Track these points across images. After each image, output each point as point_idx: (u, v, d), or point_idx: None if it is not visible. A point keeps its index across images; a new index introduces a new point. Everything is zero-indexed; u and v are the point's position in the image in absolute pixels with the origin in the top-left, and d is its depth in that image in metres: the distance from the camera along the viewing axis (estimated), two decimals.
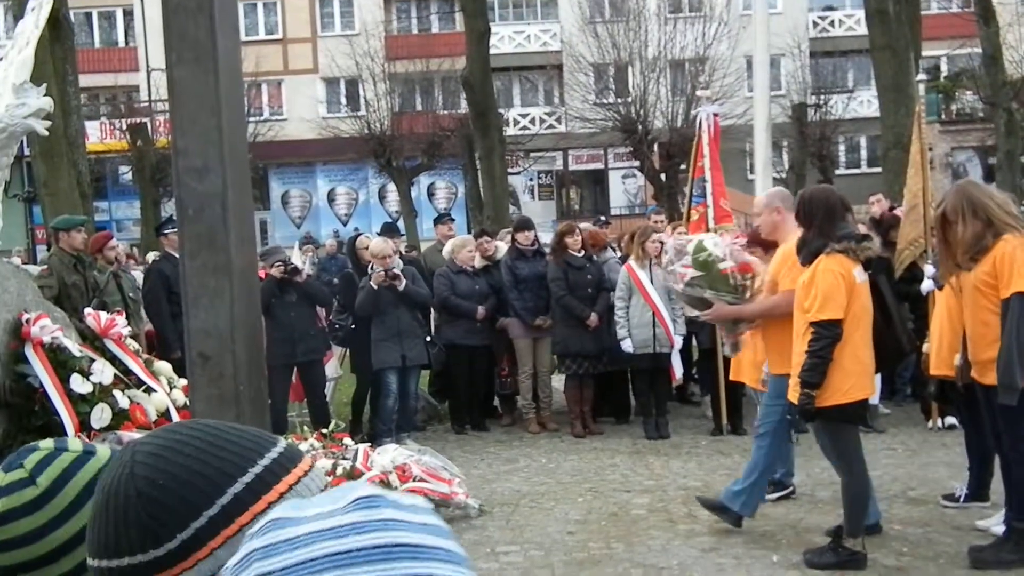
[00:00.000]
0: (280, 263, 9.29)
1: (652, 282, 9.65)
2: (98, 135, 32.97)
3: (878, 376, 7.97)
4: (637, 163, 31.71)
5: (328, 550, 0.88)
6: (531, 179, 39.28)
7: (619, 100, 32.28)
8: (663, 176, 29.91)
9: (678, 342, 9.83)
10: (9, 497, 1.46)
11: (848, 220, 6.00)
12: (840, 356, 5.67)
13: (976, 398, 6.04)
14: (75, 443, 1.54)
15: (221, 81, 4.32)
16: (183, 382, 6.80)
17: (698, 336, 10.10)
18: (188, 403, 6.46)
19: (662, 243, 9.87)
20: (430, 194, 38.36)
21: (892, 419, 9.76)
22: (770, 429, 6.54)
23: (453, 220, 12.80)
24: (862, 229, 7.61)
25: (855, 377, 5.76)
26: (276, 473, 1.14)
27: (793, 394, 5.90)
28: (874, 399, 8.26)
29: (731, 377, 7.99)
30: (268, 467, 1.14)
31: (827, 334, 5.65)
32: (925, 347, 7.26)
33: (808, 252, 5.86)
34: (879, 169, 21.30)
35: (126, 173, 35.48)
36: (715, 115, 10.11)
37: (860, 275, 5.76)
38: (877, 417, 9.39)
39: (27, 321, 6.16)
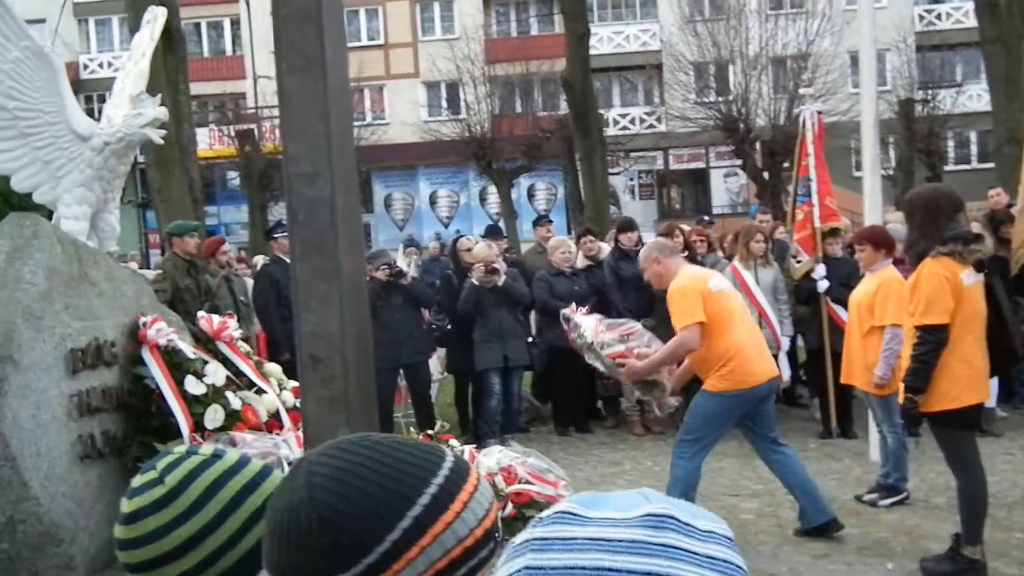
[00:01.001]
0: (386, 266, 9.40)
1: (758, 283, 9.52)
2: (207, 142, 33.80)
3: (994, 379, 7.75)
4: (739, 162, 31.32)
5: (599, 563, 0.89)
6: (631, 179, 39.09)
7: (720, 98, 31.93)
8: (766, 174, 29.47)
9: (785, 343, 9.68)
10: (140, 496, 1.54)
11: (959, 219, 5.81)
12: (948, 360, 5.51)
13: None
14: (206, 447, 1.59)
15: (329, 88, 4.39)
16: (293, 384, 6.92)
17: (805, 337, 9.93)
18: (297, 404, 6.57)
19: (766, 243, 9.76)
20: (530, 196, 38.45)
21: (1010, 423, 9.46)
22: None
23: (551, 222, 12.79)
24: (976, 227, 7.40)
25: (965, 382, 5.59)
26: (450, 492, 1.15)
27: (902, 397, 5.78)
28: (990, 402, 8.02)
29: (842, 380, 7.83)
30: (442, 486, 1.15)
31: (931, 339, 5.51)
32: None
33: (913, 254, 5.72)
34: (990, 165, 20.73)
35: (234, 178, 36.32)
36: (819, 112, 9.92)
37: (970, 277, 5.58)
38: (994, 421, 9.12)
39: (144, 324, 6.32)
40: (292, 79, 4.39)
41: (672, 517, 0.91)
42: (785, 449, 6.61)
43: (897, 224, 9.49)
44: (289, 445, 6.17)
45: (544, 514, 0.96)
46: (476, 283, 9.48)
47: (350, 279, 4.47)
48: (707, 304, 6.20)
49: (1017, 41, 16.83)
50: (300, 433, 5.55)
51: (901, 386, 5.72)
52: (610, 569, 0.88)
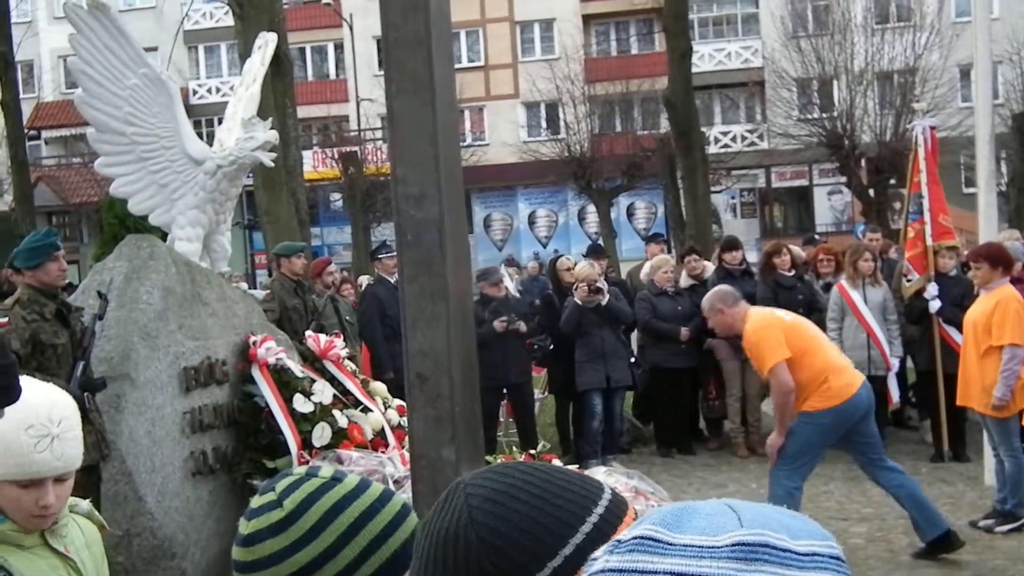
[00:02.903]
0: (505, 321, 9.38)
1: (866, 302, 9.33)
2: (311, 164, 34.46)
3: None
4: (844, 179, 30.76)
5: None
6: (733, 197, 38.68)
7: (824, 115, 31.42)
8: (871, 192, 28.89)
9: (895, 364, 9.46)
10: (258, 519, 1.51)
11: None
12: None
13: None
14: (326, 469, 1.58)
15: (438, 111, 4.44)
16: (398, 402, 6.99)
17: (915, 358, 9.69)
18: (402, 423, 6.64)
19: (875, 261, 9.56)
20: (629, 215, 38.32)
21: None
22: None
23: (665, 240, 12.72)
24: None
25: None
26: (612, 523, 1.11)
27: None
28: None
29: (959, 402, 7.62)
30: (603, 516, 1.11)
31: None
32: None
33: None
34: None
35: (337, 200, 36.91)
36: (932, 128, 9.70)
37: None
38: None
39: (254, 343, 6.46)
40: (401, 102, 4.46)
41: (765, 545, 0.81)
42: (895, 466, 6.54)
43: (1015, 242, 9.24)
44: (394, 463, 6.24)
45: (623, 536, 0.86)
46: (579, 303, 9.47)
47: (457, 298, 4.51)
48: (789, 337, 6.31)
49: None
50: (405, 451, 5.60)
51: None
52: None
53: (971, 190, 13.32)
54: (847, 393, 6.30)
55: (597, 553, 0.88)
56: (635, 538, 0.85)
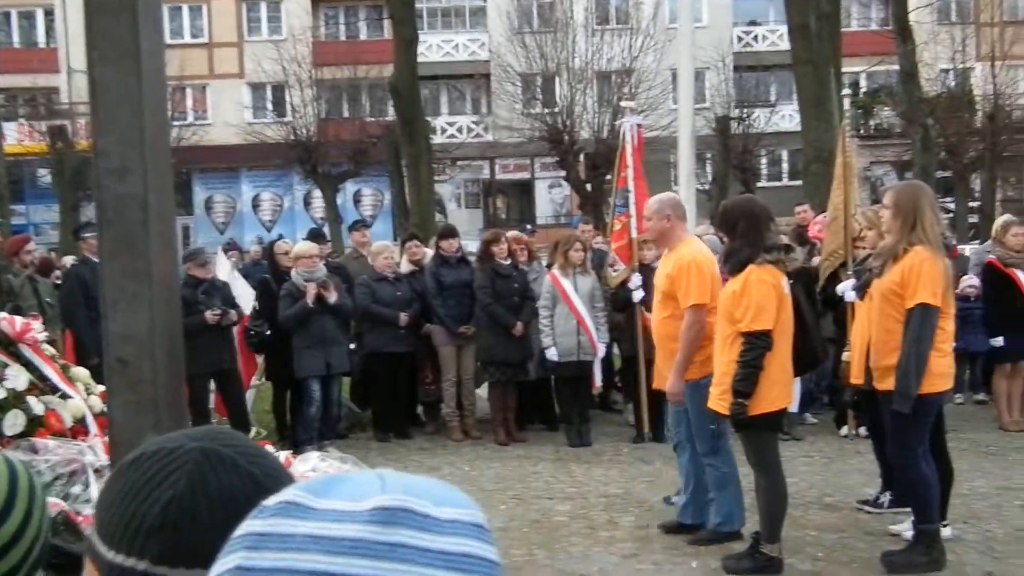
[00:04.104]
0: (218, 313, 9.06)
1: (576, 290, 9.72)
2: (15, 137, 32.28)
3: (797, 385, 8.14)
4: (563, 173, 31.91)
5: (315, 566, 0.79)
6: (458, 187, 39.30)
7: (546, 110, 32.47)
8: (589, 186, 30.12)
9: (601, 350, 9.92)
10: None
11: (772, 230, 6.11)
12: (768, 365, 5.77)
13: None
14: None
15: (144, 82, 4.26)
16: (101, 388, 6.68)
17: (620, 344, 10.19)
18: (105, 409, 6.36)
19: (585, 252, 9.98)
20: (356, 201, 38.20)
21: (809, 427, 9.94)
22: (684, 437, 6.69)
23: (368, 227, 12.75)
24: (783, 240, 7.74)
25: (780, 386, 5.87)
26: None
27: (718, 404, 5.99)
28: (793, 407, 8.38)
29: (654, 386, 8.07)
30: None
31: (760, 344, 5.74)
32: (845, 355, 7.39)
33: (736, 262, 5.93)
34: (800, 182, 21.66)
35: (45, 176, 34.77)
36: (638, 125, 10.22)
37: (786, 286, 5.88)
38: (795, 425, 9.56)
39: None
40: (104, 70, 4.24)
41: (405, 509, 0.81)
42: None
43: (711, 236, 9.85)
44: (95, 451, 5.96)
45: (268, 503, 0.85)
46: (310, 304, 9.38)
47: (161, 280, 4.35)
48: (713, 287, 6.42)
49: (826, 64, 17.64)
50: (108, 439, 5.37)
51: (720, 391, 5.95)
52: (327, 574, 0.78)
53: (678, 188, 14.11)
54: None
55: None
56: (280, 503, 0.84)
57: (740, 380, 5.77)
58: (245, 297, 10.10)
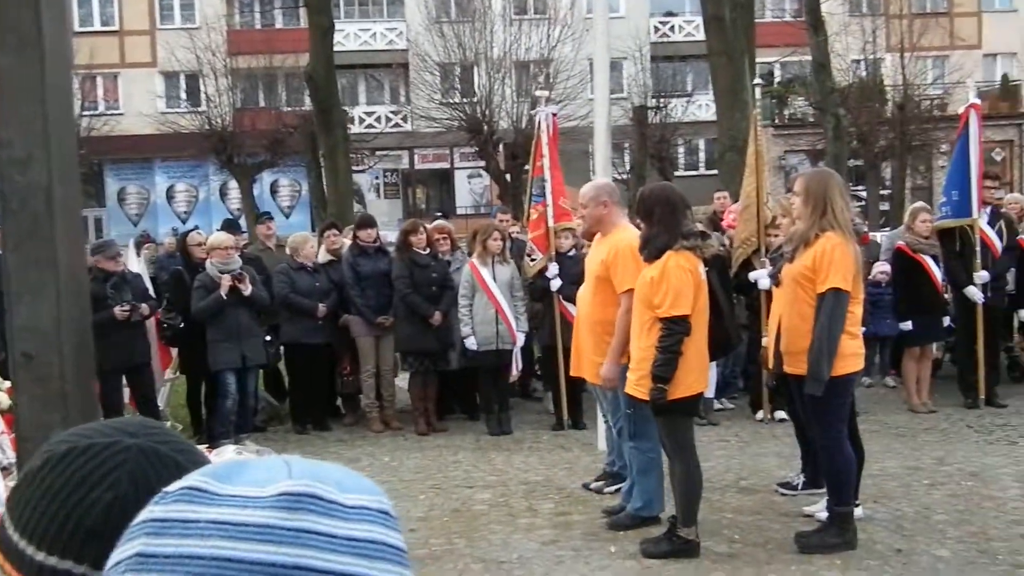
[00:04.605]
0: (127, 309, 8.86)
1: (495, 280, 9.73)
2: None
3: (713, 371, 8.27)
4: (483, 163, 31.92)
5: (218, 552, 0.77)
6: (376, 177, 39.08)
7: (465, 100, 32.43)
8: (508, 176, 30.17)
9: (520, 339, 9.95)
10: None
11: (688, 217, 6.17)
12: (686, 351, 5.84)
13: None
14: None
15: (47, 70, 4.17)
16: (7, 384, 6.53)
17: (539, 333, 10.23)
18: (11, 406, 6.22)
19: (504, 241, 10.00)
20: (273, 192, 37.79)
21: (725, 412, 10.08)
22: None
23: (272, 219, 12.62)
24: (699, 227, 7.83)
25: (697, 372, 5.95)
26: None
27: (636, 389, 6.06)
28: (709, 392, 8.51)
29: (572, 373, 8.12)
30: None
31: (679, 330, 5.81)
32: (765, 340, 7.50)
33: (654, 248, 5.99)
34: (716, 172, 21.93)
35: None
36: (554, 115, 10.25)
37: (702, 272, 5.96)
38: (711, 410, 9.70)
39: None
40: (6, 58, 4.15)
41: (311, 495, 0.80)
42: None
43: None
44: (3, 448, 5.84)
45: (170, 488, 0.83)
46: (223, 296, 9.24)
47: (68, 271, 4.25)
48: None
49: (740, 55, 17.88)
50: (15, 435, 5.26)
51: (638, 376, 6.01)
52: (230, 560, 0.77)
53: (595, 177, 14.17)
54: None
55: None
56: (182, 489, 0.82)
57: (660, 365, 5.83)
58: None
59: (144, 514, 0.83)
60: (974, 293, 9.85)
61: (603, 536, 6.43)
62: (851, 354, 5.95)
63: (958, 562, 5.64)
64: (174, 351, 10.42)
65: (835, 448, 5.95)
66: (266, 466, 0.84)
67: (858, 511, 6.27)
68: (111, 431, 1.06)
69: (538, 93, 11.27)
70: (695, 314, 5.88)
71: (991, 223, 10.08)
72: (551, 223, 9.70)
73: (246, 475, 0.82)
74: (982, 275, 9.83)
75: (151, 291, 9.71)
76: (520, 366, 10.32)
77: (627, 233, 6.72)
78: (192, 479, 0.83)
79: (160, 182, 38.18)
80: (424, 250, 10.17)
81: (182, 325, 9.69)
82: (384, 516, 0.83)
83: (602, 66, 9.29)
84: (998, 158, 35.29)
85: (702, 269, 5.98)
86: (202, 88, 33.91)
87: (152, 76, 37.45)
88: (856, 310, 6.03)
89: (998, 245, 10.02)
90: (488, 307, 9.68)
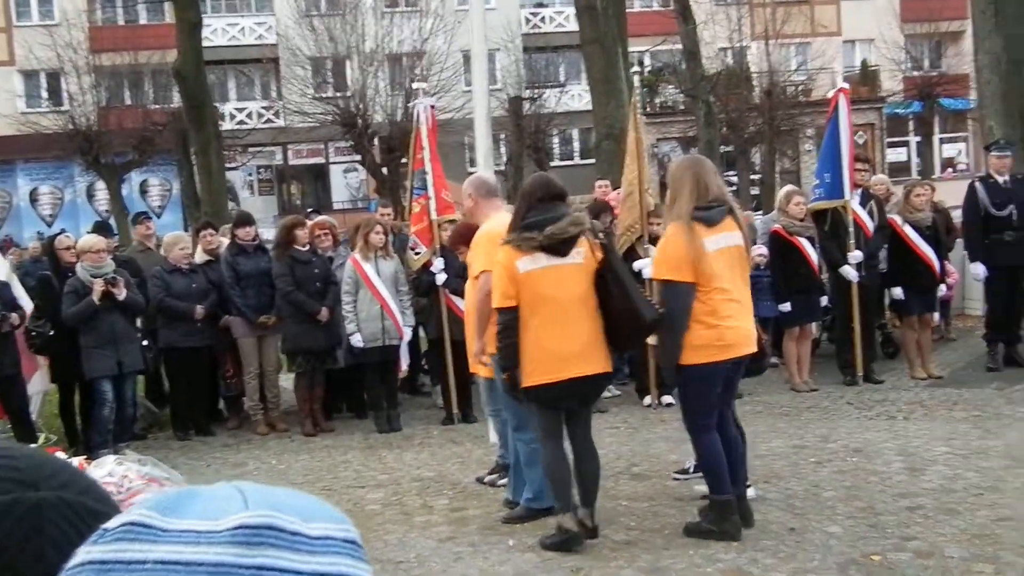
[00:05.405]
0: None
1: (379, 274, 9.60)
2: None
3: None
4: (358, 157, 31.57)
5: None
6: (250, 174, 38.34)
7: (338, 94, 32.06)
8: (384, 170, 29.91)
9: (407, 333, 9.83)
10: None
11: (557, 206, 6.02)
12: (523, 342, 5.82)
13: None
14: None
15: None
16: None
17: (426, 327, 10.14)
18: None
19: (386, 235, 9.87)
20: (143, 192, 36.76)
21: (613, 399, 10.14)
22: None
23: (150, 218, 12.27)
24: (581, 215, 7.82)
25: (536, 363, 5.83)
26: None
27: (500, 377, 6.14)
28: None
29: (471, 369, 7.92)
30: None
31: (502, 320, 5.86)
32: None
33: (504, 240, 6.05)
34: (592, 161, 22.09)
35: None
36: (431, 107, 10.15)
37: (528, 264, 5.82)
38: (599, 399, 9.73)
39: None
40: None
41: (271, 527, 0.72)
42: None
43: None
44: None
45: (110, 524, 0.75)
46: (96, 301, 8.89)
47: None
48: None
49: (613, 43, 18.01)
50: None
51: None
52: None
53: (475, 169, 14.17)
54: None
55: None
56: (123, 525, 0.73)
57: (499, 353, 5.92)
58: (25, 298, 9.51)
59: (81, 555, 0.74)
60: (849, 272, 10.10)
61: (500, 530, 6.37)
62: (703, 345, 5.76)
63: (850, 537, 5.74)
64: (42, 360, 9.99)
65: (697, 437, 5.93)
66: (217, 496, 0.76)
67: (751, 491, 6.33)
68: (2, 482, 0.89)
69: (415, 86, 11.16)
70: (524, 306, 5.81)
71: (862, 204, 10.34)
72: (434, 216, 9.61)
73: (195, 507, 0.74)
74: (856, 255, 10.08)
75: (25, 298, 9.31)
76: (408, 361, 10.22)
77: (491, 223, 6.69)
78: (133, 514, 0.74)
79: (23, 184, 36.75)
80: (304, 247, 9.97)
81: (52, 333, 9.30)
82: (352, 547, 0.76)
83: (480, 57, 9.24)
84: (860, 141, 36.41)
85: (528, 262, 5.83)
86: (64, 87, 32.78)
87: (11, 75, 35.99)
88: (715, 299, 5.80)
89: (870, 225, 10.28)
90: (373, 303, 9.54)
